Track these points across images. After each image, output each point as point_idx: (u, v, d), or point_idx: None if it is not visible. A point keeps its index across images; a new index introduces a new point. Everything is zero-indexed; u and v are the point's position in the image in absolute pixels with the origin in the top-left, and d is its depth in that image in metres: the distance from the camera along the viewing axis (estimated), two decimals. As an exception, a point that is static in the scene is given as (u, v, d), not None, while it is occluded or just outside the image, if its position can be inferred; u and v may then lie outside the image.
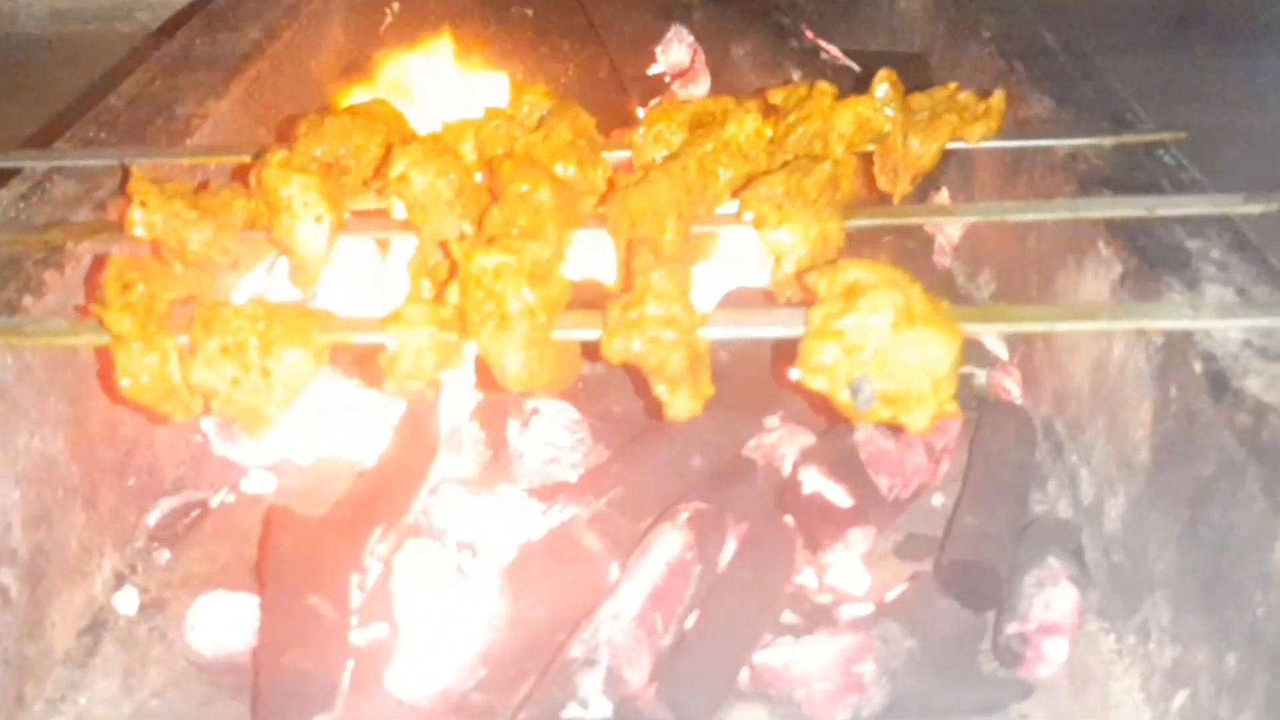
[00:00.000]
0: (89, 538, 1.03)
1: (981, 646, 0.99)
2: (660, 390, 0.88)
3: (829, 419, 1.10)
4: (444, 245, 0.89)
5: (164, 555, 1.10)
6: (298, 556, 0.97)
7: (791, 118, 1.15)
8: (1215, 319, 0.89)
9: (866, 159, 1.19)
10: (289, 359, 0.80)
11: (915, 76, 1.76)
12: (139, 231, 0.91)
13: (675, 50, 1.55)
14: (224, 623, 1.00)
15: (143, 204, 0.90)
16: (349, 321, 0.86)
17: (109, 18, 3.23)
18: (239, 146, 1.21)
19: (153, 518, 1.14)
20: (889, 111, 1.16)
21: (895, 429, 0.88)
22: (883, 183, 1.20)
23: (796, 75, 1.55)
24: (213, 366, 0.80)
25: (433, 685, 0.93)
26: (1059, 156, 1.19)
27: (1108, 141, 1.19)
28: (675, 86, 1.54)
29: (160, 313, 0.81)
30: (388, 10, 1.83)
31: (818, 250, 1.03)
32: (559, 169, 1.08)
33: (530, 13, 1.84)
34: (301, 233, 0.93)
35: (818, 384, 0.86)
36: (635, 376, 0.89)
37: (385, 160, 0.97)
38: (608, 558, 1.01)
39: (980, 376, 1.24)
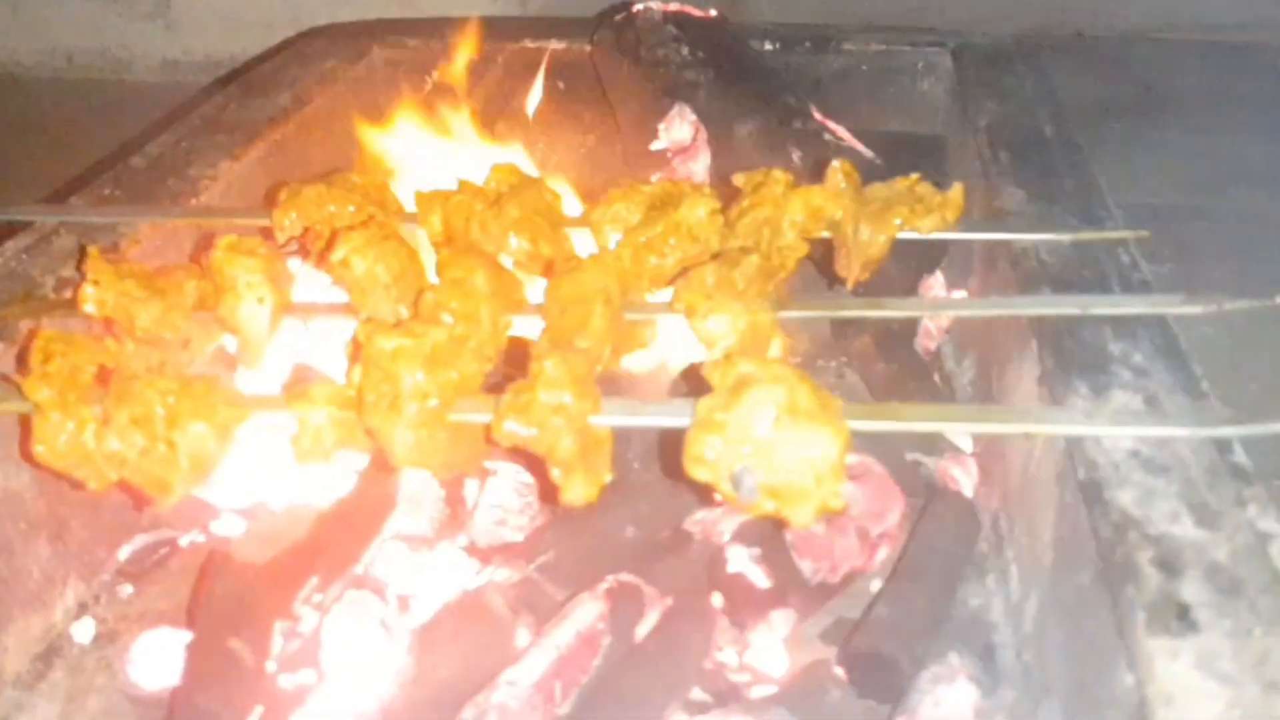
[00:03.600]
0: (52, 568, 1.11)
1: (877, 739, 1.00)
2: (555, 475, 0.92)
3: (702, 502, 1.12)
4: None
5: (127, 589, 1.18)
6: (227, 600, 1.03)
7: (745, 203, 1.19)
8: (1106, 427, 0.89)
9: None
10: (193, 431, 0.86)
11: (929, 159, 1.79)
12: (89, 308, 0.99)
13: (678, 127, 1.60)
14: (163, 659, 1.07)
15: (95, 282, 0.98)
16: (256, 398, 0.92)
17: (217, 69, 3.44)
18: (239, 210, 1.30)
19: (124, 553, 1.22)
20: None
21: (778, 520, 0.90)
22: (841, 270, 1.23)
23: (797, 156, 1.58)
24: (123, 437, 0.86)
25: (334, 734, 0.98)
26: (1013, 251, 1.20)
27: (1065, 238, 1.19)
28: (676, 163, 1.59)
29: (83, 383, 0.88)
30: (427, 78, 1.92)
31: (747, 340, 1.06)
32: (512, 243, 1.14)
33: (561, 85, 1.91)
34: (244, 313, 1.00)
35: (701, 474, 0.88)
36: (533, 462, 0.93)
37: (330, 243, 1.03)
38: (514, 622, 1.04)
39: (929, 465, 1.24)
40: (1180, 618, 0.74)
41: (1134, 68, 3.10)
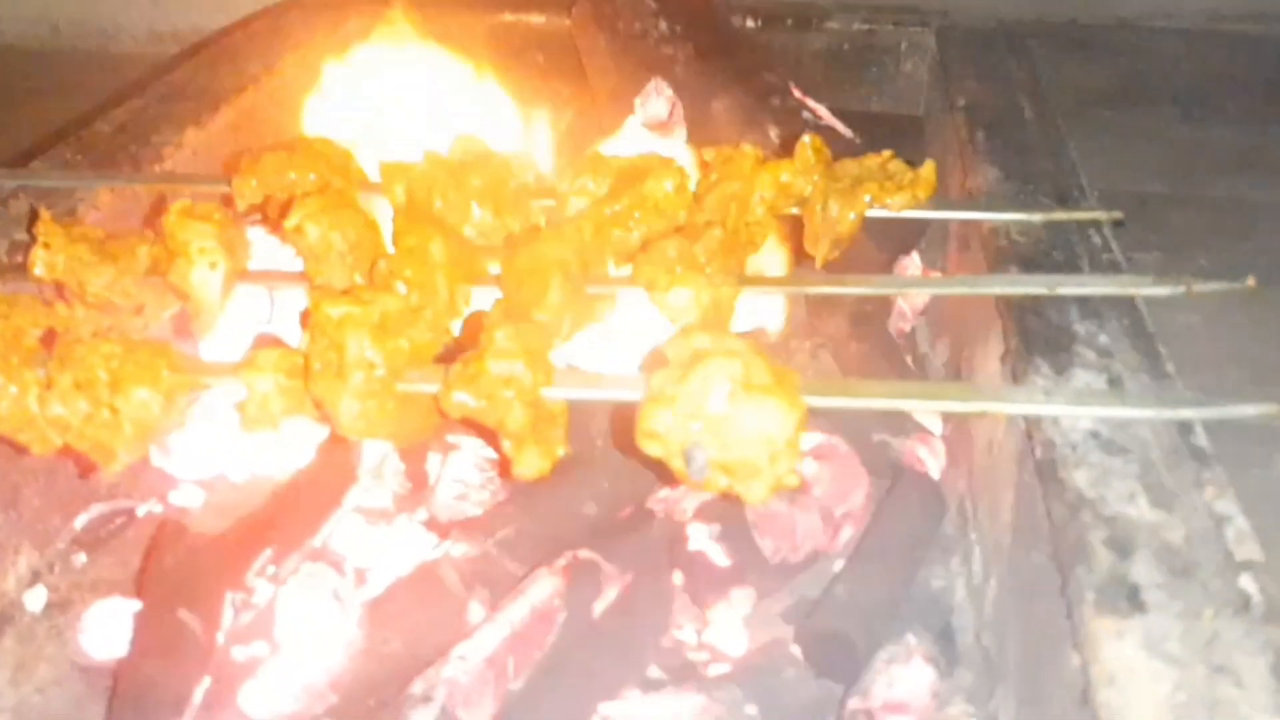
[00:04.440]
0: (4, 536, 1.10)
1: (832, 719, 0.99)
2: (506, 447, 0.90)
3: (662, 480, 1.11)
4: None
5: (81, 558, 1.17)
6: (177, 571, 1.02)
7: (713, 177, 1.17)
8: (1065, 406, 0.88)
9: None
10: (137, 397, 0.84)
11: (909, 139, 1.77)
12: (39, 271, 0.97)
13: (653, 102, 1.58)
14: (115, 628, 1.05)
15: (45, 245, 0.97)
16: (203, 364, 0.90)
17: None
18: (200, 176, 1.28)
19: (80, 521, 1.20)
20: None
21: (732, 497, 0.89)
22: (810, 247, 1.21)
23: (774, 133, 1.56)
24: (66, 401, 0.84)
25: (283, 707, 0.97)
26: (984, 230, 1.18)
27: (1037, 218, 1.18)
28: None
29: (28, 347, 0.87)
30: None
31: (710, 316, 1.05)
32: (475, 213, 1.12)
33: (541, 59, 1.89)
34: (196, 278, 0.98)
35: (653, 449, 0.87)
36: (492, 435, 0.91)
37: (285, 209, 1.02)
38: (468, 597, 1.03)
39: (896, 446, 1.23)
40: (1130, 598, 0.73)
41: (1126, 55, 3.07)
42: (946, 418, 1.30)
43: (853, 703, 0.96)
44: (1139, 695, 0.67)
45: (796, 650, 1.03)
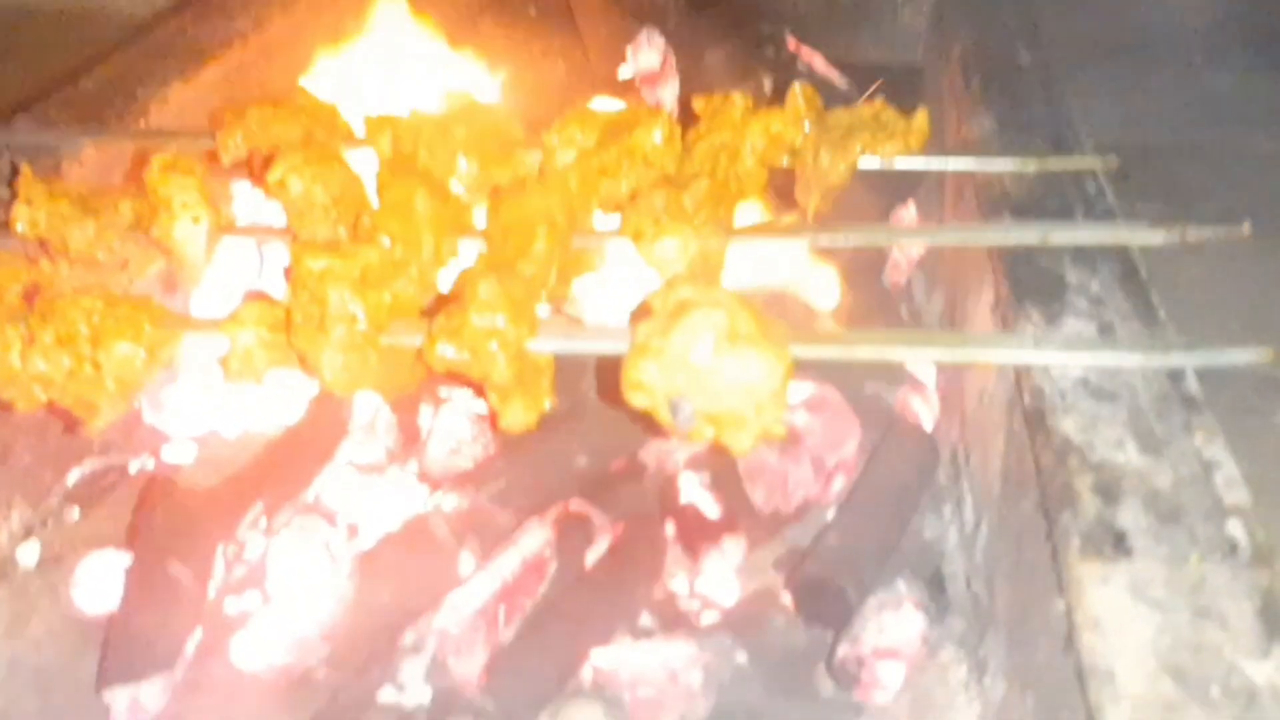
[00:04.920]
0: (-5, 492, 1.10)
1: (823, 667, 0.99)
2: (492, 399, 0.90)
3: (652, 432, 1.10)
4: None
5: (74, 513, 1.17)
6: (168, 525, 1.02)
7: (702, 128, 1.16)
8: (1055, 354, 0.87)
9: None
10: (119, 352, 0.84)
11: (905, 89, 1.75)
12: (21, 227, 0.96)
13: (645, 53, 1.56)
14: (107, 583, 1.06)
15: (27, 201, 0.96)
16: (186, 318, 0.90)
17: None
18: (184, 131, 1.27)
19: (72, 477, 1.20)
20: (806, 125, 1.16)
21: (718, 447, 0.89)
22: (801, 198, 1.20)
23: (768, 83, 1.54)
24: (48, 357, 0.84)
25: (274, 658, 0.98)
26: (978, 179, 1.17)
27: (1030, 166, 1.16)
28: (644, 90, 1.55)
29: (9, 302, 0.86)
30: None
31: (697, 266, 1.04)
32: (461, 166, 1.11)
33: (533, 11, 1.87)
34: (179, 233, 0.97)
35: (638, 400, 0.87)
36: (475, 387, 0.91)
37: (267, 163, 1.01)
38: (458, 548, 1.04)
39: (889, 397, 1.23)
40: (1115, 544, 0.72)
41: (1129, 5, 3.04)
42: (940, 368, 1.30)
43: (843, 649, 0.96)
44: (1123, 639, 0.66)
45: (787, 599, 1.03)
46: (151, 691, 0.94)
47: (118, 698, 0.93)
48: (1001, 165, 1.17)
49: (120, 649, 0.94)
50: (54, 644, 1.03)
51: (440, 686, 0.92)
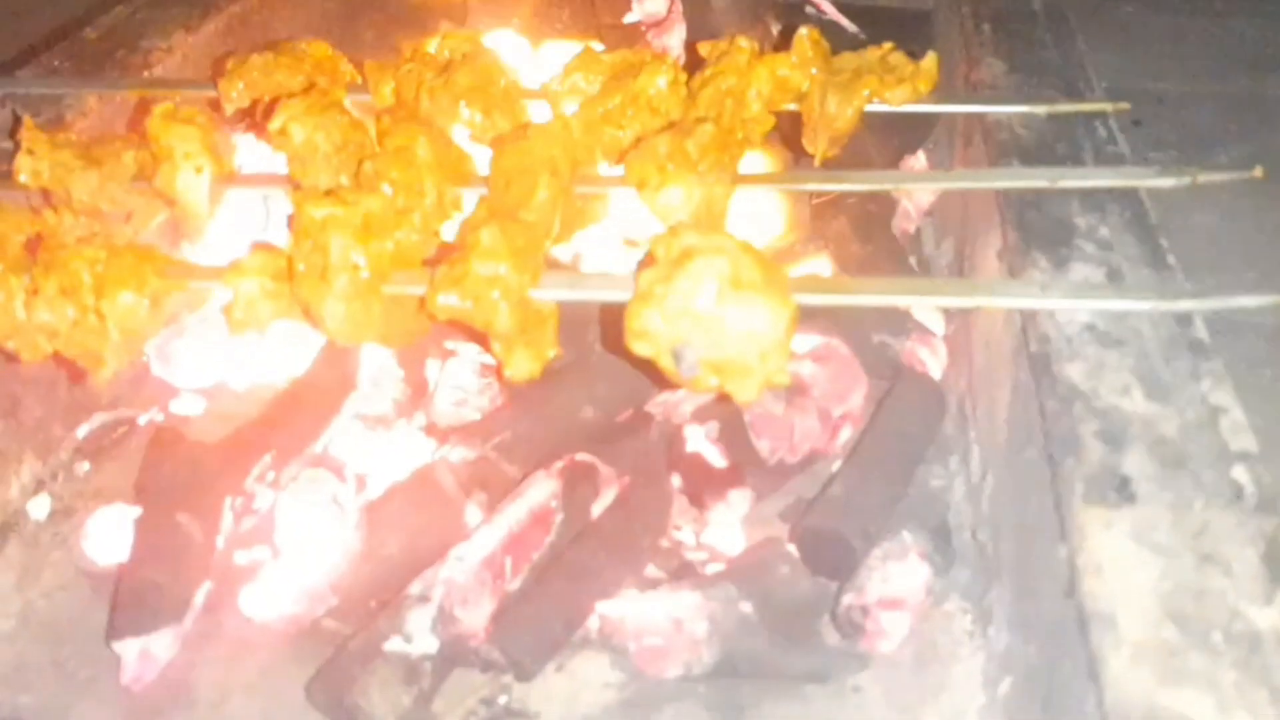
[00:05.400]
0: (5, 445, 1.11)
1: (828, 617, 1.00)
2: (496, 349, 0.89)
3: (659, 383, 1.10)
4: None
5: (84, 467, 1.18)
6: (175, 476, 1.02)
7: (707, 73, 1.14)
8: (1061, 300, 0.86)
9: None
10: (123, 302, 0.84)
11: (915, 34, 1.72)
12: (24, 178, 0.96)
13: (651, -1, 1.54)
14: (118, 535, 1.06)
15: (29, 152, 0.95)
16: (190, 267, 0.89)
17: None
18: (186, 80, 1.26)
19: (82, 431, 1.21)
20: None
21: (722, 396, 0.88)
22: (808, 144, 1.19)
23: (775, 28, 1.52)
24: (52, 307, 0.84)
25: (283, 608, 0.98)
26: (987, 123, 1.15)
27: (1041, 110, 1.15)
28: (650, 36, 1.53)
29: (12, 253, 0.86)
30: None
31: (702, 214, 1.03)
32: (463, 113, 1.10)
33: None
34: (182, 183, 0.97)
35: (642, 349, 0.86)
36: (480, 337, 0.91)
37: (269, 112, 1.00)
38: (463, 500, 1.04)
39: (896, 347, 1.22)
40: (1119, 490, 0.72)
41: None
42: (949, 318, 1.29)
43: (848, 599, 0.96)
44: (1125, 585, 0.66)
45: (793, 549, 1.03)
46: (162, 642, 0.95)
47: (128, 648, 0.94)
48: (1012, 110, 1.15)
49: (130, 600, 0.95)
50: (65, 596, 1.04)
51: (447, 637, 0.93)
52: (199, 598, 0.98)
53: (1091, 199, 1.01)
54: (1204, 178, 1.00)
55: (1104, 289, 0.89)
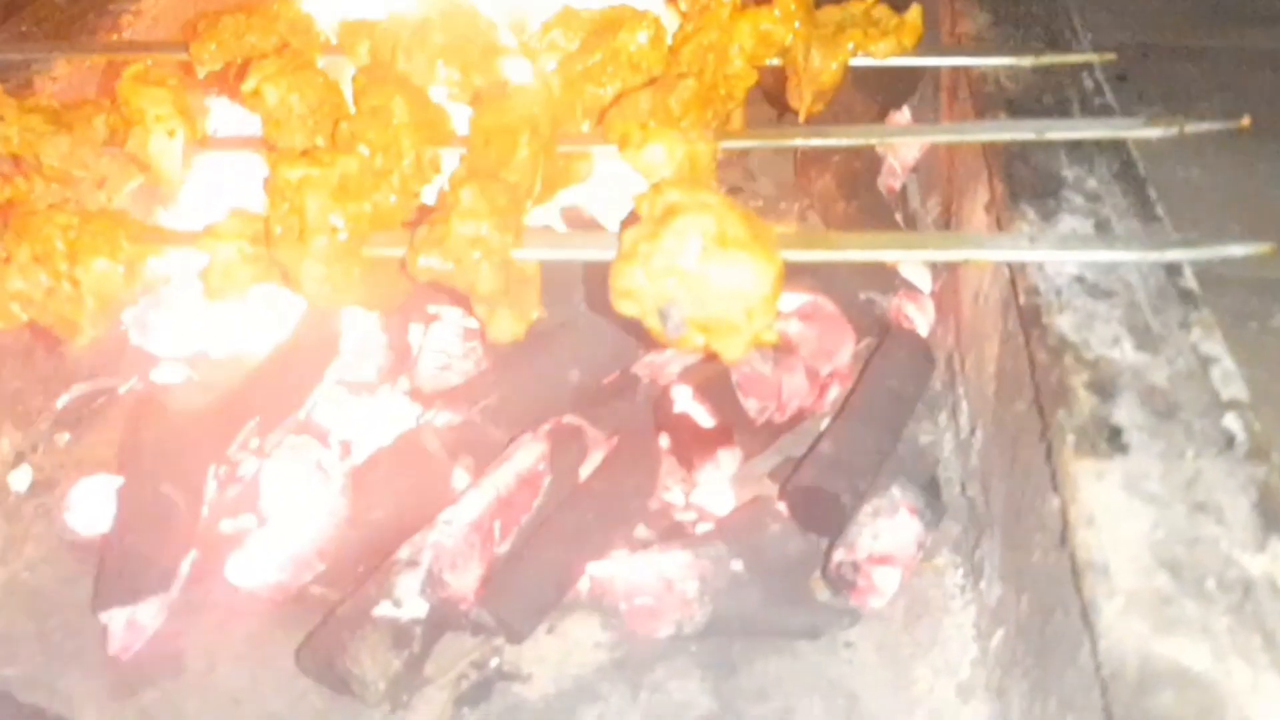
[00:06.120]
0: (-17, 417, 1.09)
1: (819, 574, 0.99)
2: (479, 311, 0.88)
3: (645, 344, 1.09)
4: (272, 161, 0.90)
5: (64, 437, 1.16)
6: (158, 446, 1.01)
7: (689, 28, 1.12)
8: (1050, 251, 0.85)
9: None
10: (97, 268, 0.82)
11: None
12: (-8, 145, 0.94)
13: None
14: (100, 505, 1.05)
15: (-1, 117, 0.94)
16: (164, 232, 0.88)
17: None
18: (157, 43, 1.24)
19: (61, 401, 1.19)
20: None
21: (710, 354, 0.87)
22: (793, 100, 1.17)
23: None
24: (26, 275, 0.82)
25: (270, 575, 0.97)
26: (972, 76, 1.14)
27: (1027, 62, 1.13)
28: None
29: (-17, 222, 0.84)
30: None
31: (686, 172, 1.01)
32: (440, 72, 1.08)
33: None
34: (155, 146, 0.95)
35: (627, 308, 0.85)
36: (462, 299, 0.89)
37: (242, 74, 0.98)
38: (450, 464, 1.03)
39: (883, 305, 1.21)
40: (1110, 440, 0.71)
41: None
42: (935, 274, 1.28)
43: (838, 555, 0.96)
44: (1117, 534, 0.66)
45: (783, 508, 1.03)
46: (148, 611, 0.94)
47: (115, 618, 0.94)
48: (997, 62, 1.14)
49: (116, 570, 0.94)
50: (49, 567, 1.04)
51: (437, 601, 0.92)
52: (185, 566, 0.97)
53: (1079, 150, 1.00)
54: (1191, 128, 1.00)
55: (1092, 240, 0.88)
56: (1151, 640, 0.60)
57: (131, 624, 0.94)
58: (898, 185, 1.49)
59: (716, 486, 1.09)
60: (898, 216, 1.44)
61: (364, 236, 0.86)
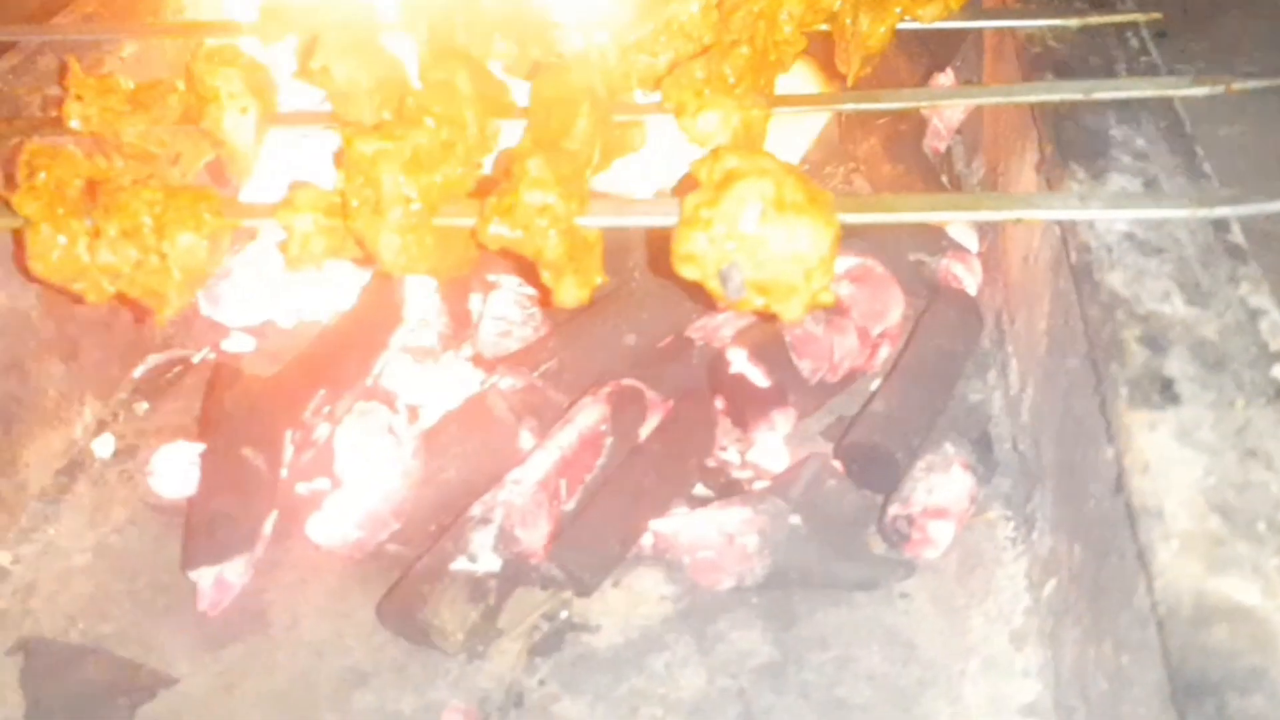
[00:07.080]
0: (68, 387, 1.14)
1: (874, 528, 1.03)
2: (545, 277, 0.92)
3: (708, 306, 1.12)
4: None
5: (143, 406, 1.21)
6: (237, 412, 1.06)
7: (739, -4, 1.14)
8: (1100, 210, 0.87)
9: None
10: (183, 242, 0.86)
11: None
12: (74, 124, 0.98)
13: (676, -76, 1.53)
14: (181, 470, 1.10)
15: (78, 97, 0.97)
16: (243, 206, 0.91)
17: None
18: (222, 24, 1.27)
19: (138, 371, 1.24)
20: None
21: (768, 316, 0.90)
22: (841, 64, 1.19)
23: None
24: (115, 249, 0.86)
25: (348, 534, 1.02)
26: (1019, 38, 1.16)
27: (1073, 23, 1.15)
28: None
29: (71, 197, 0.88)
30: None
31: (740, 139, 1.04)
32: (498, 45, 1.11)
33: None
34: (228, 124, 0.98)
35: (688, 272, 0.88)
36: (524, 264, 0.93)
37: (309, 50, 1.01)
38: (516, 425, 1.07)
39: (932, 265, 1.23)
40: (1163, 391, 0.74)
41: None
42: (982, 235, 1.30)
43: (893, 509, 0.99)
44: (1171, 481, 0.68)
45: (837, 465, 1.06)
46: (235, 569, 0.99)
47: (204, 576, 0.98)
48: (1043, 24, 1.16)
49: (203, 531, 0.99)
50: (135, 529, 1.09)
51: (509, 555, 0.96)
52: (267, 526, 1.02)
53: (1126, 110, 1.02)
54: (1238, 85, 1.01)
55: (1141, 198, 0.90)
56: (1205, 579, 0.63)
57: (219, 581, 0.99)
58: (943, 147, 1.51)
59: (771, 445, 1.12)
60: (943, 178, 1.46)
61: (435, 207, 0.89)
